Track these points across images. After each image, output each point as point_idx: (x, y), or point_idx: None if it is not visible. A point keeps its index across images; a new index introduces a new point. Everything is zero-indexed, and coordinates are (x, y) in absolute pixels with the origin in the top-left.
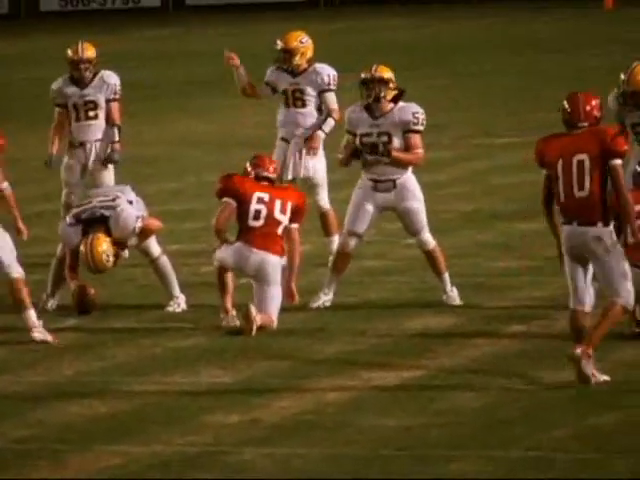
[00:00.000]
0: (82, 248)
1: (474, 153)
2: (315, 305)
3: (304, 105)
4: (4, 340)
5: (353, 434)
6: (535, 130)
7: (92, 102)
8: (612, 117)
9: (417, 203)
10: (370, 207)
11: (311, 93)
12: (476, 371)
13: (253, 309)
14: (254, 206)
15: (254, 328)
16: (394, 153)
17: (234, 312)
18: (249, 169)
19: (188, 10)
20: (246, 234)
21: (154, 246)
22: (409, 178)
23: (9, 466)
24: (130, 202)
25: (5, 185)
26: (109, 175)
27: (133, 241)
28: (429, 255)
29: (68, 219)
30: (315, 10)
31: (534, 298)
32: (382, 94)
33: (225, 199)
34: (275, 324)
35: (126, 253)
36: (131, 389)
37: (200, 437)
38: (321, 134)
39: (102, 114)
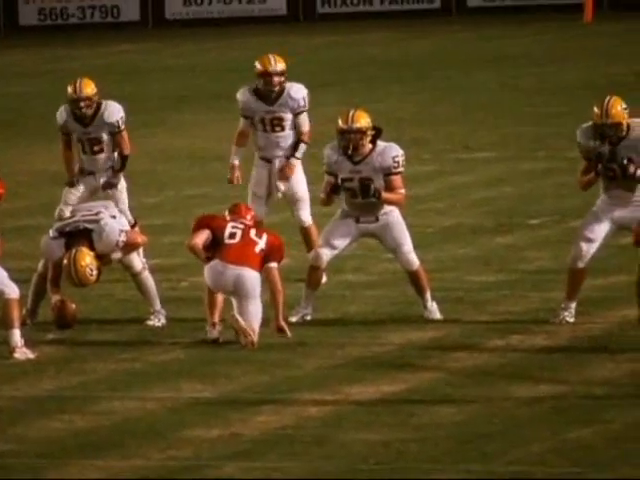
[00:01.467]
0: (65, 261)
1: (454, 168)
2: (295, 319)
3: (283, 129)
4: None
5: (333, 448)
6: (515, 144)
7: (96, 139)
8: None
9: (400, 224)
10: (351, 228)
11: (288, 117)
12: (456, 385)
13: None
14: (229, 230)
15: (255, 340)
16: (384, 195)
17: (220, 327)
18: (227, 218)
19: (168, 24)
20: (221, 252)
21: (136, 260)
22: (392, 211)
23: None
24: (113, 217)
25: None
26: (122, 196)
27: (117, 255)
28: (413, 275)
29: (51, 232)
30: (295, 24)
31: (513, 312)
32: (360, 143)
33: (200, 230)
34: (256, 339)
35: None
36: (111, 404)
37: (180, 451)
38: (295, 161)
39: (108, 147)
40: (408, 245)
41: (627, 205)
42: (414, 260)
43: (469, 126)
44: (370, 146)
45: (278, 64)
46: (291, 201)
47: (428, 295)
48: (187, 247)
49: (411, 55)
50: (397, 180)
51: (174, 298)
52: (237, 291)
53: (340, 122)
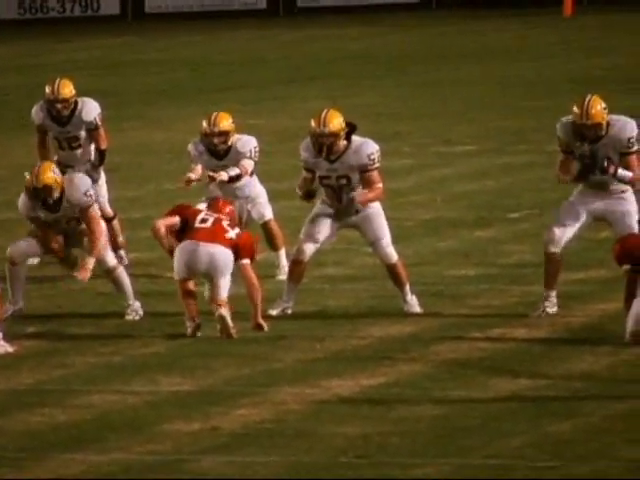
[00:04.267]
0: (27, 177)
1: (434, 161)
2: (275, 312)
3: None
4: None
5: (313, 442)
6: (495, 138)
7: (74, 137)
8: (557, 145)
9: (378, 215)
10: (332, 220)
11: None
12: (435, 379)
13: (227, 316)
14: (201, 216)
15: (234, 333)
16: (359, 199)
17: (199, 319)
18: (203, 209)
19: (148, 18)
20: (192, 233)
21: (109, 256)
22: (371, 206)
23: None
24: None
25: None
26: (102, 190)
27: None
28: (391, 269)
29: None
30: (274, 18)
31: (492, 306)
32: (334, 145)
33: (170, 216)
34: (227, 312)
35: (125, 260)
36: (91, 397)
37: (160, 445)
38: (224, 176)
39: (86, 142)
40: (387, 238)
41: (603, 197)
42: (392, 253)
43: (449, 119)
44: (345, 143)
45: (217, 126)
46: (250, 204)
47: (407, 288)
48: (151, 230)
49: (391, 49)
50: (373, 176)
51: (153, 292)
52: (210, 269)
53: (313, 125)
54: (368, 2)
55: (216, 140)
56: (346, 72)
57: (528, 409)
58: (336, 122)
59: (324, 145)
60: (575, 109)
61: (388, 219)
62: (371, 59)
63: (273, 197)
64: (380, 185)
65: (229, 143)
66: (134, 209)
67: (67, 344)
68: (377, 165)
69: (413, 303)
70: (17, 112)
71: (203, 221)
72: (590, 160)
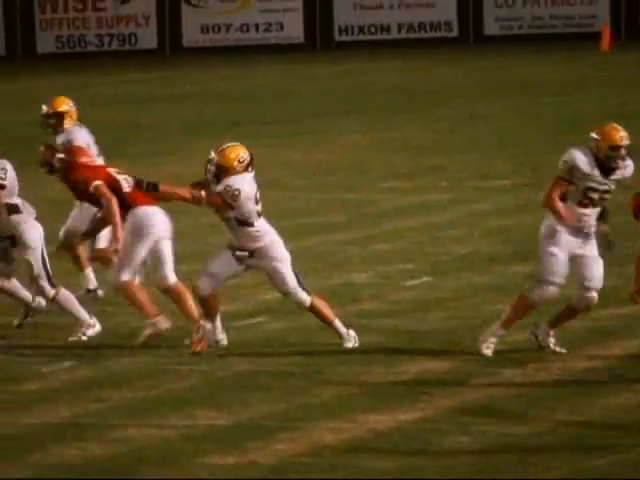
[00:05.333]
0: None
1: (472, 195)
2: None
3: None
4: None
5: (349, 476)
6: (530, 173)
7: None
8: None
9: (280, 264)
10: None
11: None
12: (472, 414)
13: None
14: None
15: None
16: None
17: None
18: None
19: (185, 52)
20: (132, 198)
21: (46, 286)
22: (270, 243)
23: None
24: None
25: None
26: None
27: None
28: (312, 310)
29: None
30: (312, 52)
31: (530, 341)
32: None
33: None
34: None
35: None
36: (127, 431)
37: (197, 479)
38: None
39: None
40: (294, 284)
41: (581, 236)
42: (305, 298)
43: (486, 154)
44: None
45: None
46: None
47: (337, 323)
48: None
49: (429, 83)
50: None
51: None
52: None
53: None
54: (405, 36)
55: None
56: (384, 106)
57: (565, 444)
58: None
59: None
60: (613, 132)
61: (426, 254)
62: (407, 93)
63: (306, 232)
64: None
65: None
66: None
67: (104, 378)
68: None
69: (350, 337)
70: None
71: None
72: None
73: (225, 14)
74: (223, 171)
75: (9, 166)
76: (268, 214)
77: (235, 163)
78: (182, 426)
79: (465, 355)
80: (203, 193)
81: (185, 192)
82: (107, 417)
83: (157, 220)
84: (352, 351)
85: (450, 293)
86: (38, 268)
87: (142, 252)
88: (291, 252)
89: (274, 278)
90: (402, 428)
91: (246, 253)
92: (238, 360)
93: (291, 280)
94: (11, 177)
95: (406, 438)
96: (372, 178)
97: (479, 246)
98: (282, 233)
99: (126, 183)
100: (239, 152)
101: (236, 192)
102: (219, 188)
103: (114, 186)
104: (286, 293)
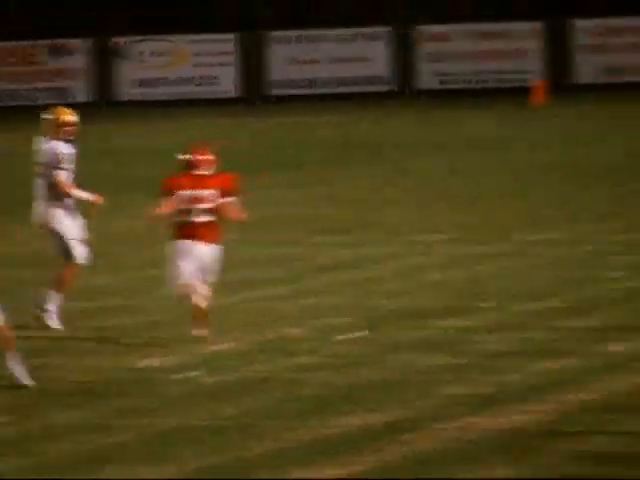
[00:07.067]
0: None
1: (406, 249)
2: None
3: None
4: None
5: None
6: (464, 227)
7: None
8: None
9: None
10: None
11: None
12: (405, 470)
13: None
14: None
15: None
16: None
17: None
18: None
19: (119, 105)
20: None
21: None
22: None
23: None
24: None
25: None
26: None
27: None
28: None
29: None
30: (250, 107)
31: (459, 395)
32: None
33: None
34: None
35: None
36: None
37: None
38: None
39: None
40: None
41: None
42: None
43: (421, 208)
44: None
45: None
46: None
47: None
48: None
49: (363, 137)
50: None
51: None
52: None
53: None
54: (339, 90)
55: None
56: (319, 160)
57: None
58: None
59: None
60: None
61: (361, 307)
62: (343, 147)
63: (241, 286)
64: None
65: None
66: (108, 298)
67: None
68: None
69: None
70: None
71: None
72: None
73: (159, 68)
74: None
75: None
76: None
77: None
78: None
79: (400, 409)
80: None
81: None
82: (34, 473)
83: None
84: (287, 405)
85: (385, 347)
86: None
87: None
88: (227, 307)
89: None
90: None
91: None
92: (171, 413)
93: None
94: None
95: None
96: (307, 232)
97: (414, 300)
98: (216, 287)
99: None
100: None
101: None
102: None
103: None
104: None
